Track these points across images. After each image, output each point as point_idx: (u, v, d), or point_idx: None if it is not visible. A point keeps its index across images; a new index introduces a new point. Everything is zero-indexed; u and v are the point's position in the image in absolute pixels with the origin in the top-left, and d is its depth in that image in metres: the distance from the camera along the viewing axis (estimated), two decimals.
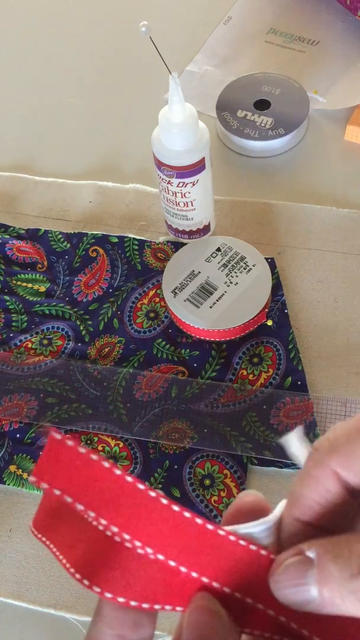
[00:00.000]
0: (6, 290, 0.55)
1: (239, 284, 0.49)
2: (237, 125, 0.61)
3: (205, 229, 0.54)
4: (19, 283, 0.55)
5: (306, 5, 0.73)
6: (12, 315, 0.53)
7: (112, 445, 0.47)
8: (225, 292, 0.49)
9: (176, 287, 0.50)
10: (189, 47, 0.71)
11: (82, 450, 0.18)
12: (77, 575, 0.19)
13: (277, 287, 0.52)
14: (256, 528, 0.20)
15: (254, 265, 0.50)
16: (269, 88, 0.63)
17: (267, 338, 0.50)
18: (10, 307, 0.54)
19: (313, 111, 0.64)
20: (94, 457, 0.18)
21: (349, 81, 0.65)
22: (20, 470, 0.46)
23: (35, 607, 0.42)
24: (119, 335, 0.51)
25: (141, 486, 0.19)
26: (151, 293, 0.53)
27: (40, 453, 0.47)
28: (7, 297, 0.54)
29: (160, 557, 0.19)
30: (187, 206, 0.51)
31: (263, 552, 0.20)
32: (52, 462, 0.18)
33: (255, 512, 0.21)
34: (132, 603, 0.19)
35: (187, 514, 0.19)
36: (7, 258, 0.56)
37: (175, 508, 0.19)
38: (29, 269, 0.56)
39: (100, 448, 0.47)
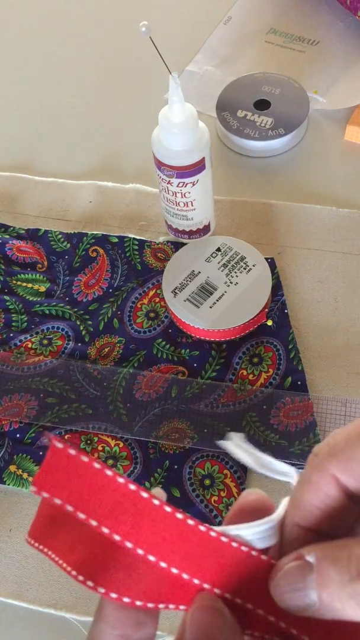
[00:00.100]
0: (6, 290, 0.55)
1: (239, 284, 0.49)
2: (237, 125, 0.61)
3: (205, 229, 0.54)
4: (19, 283, 0.55)
5: (306, 5, 0.73)
6: (12, 315, 0.53)
7: (112, 445, 0.47)
8: (225, 292, 0.49)
9: (176, 287, 0.50)
10: (189, 47, 0.71)
11: (85, 458, 0.18)
12: (80, 578, 0.19)
13: (277, 287, 0.52)
14: (260, 527, 0.20)
15: (254, 265, 0.50)
16: (269, 88, 0.63)
17: (267, 338, 0.50)
18: (10, 307, 0.54)
19: (313, 111, 0.64)
20: (97, 465, 0.18)
21: (349, 81, 0.65)
22: (20, 470, 0.46)
23: (35, 607, 0.42)
24: (119, 335, 0.51)
25: (145, 494, 0.19)
26: (151, 293, 0.53)
27: (41, 453, 0.47)
28: (7, 297, 0.54)
29: (163, 564, 0.19)
30: (187, 206, 0.51)
31: (264, 557, 0.20)
32: (53, 471, 0.18)
33: (259, 511, 0.21)
34: (138, 602, 0.19)
35: (190, 522, 0.19)
36: (7, 258, 0.56)
37: (179, 516, 0.19)
38: (29, 269, 0.56)
39: (100, 448, 0.47)
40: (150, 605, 0.19)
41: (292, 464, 0.44)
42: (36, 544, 0.21)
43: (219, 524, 0.20)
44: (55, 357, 0.51)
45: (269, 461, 0.22)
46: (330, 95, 0.64)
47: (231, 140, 0.62)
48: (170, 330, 0.51)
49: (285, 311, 0.51)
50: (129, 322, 0.52)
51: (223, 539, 0.19)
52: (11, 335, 0.52)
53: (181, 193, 0.50)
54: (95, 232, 0.57)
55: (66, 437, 0.47)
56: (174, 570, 0.19)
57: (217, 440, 0.45)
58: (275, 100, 0.62)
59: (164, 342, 0.51)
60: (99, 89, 0.70)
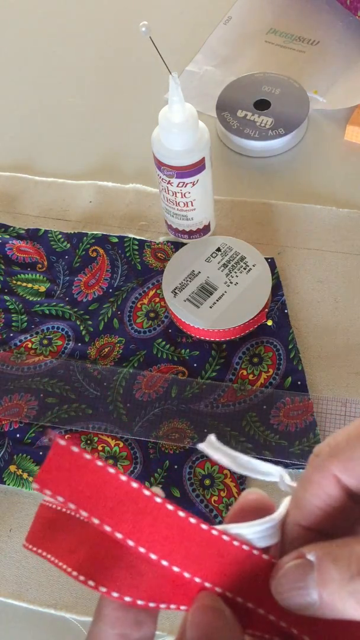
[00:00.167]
0: (6, 290, 0.55)
1: (239, 284, 0.49)
2: (237, 125, 0.61)
3: (205, 229, 0.54)
4: (19, 283, 0.55)
5: (306, 5, 0.73)
6: (12, 315, 0.53)
7: (112, 445, 0.47)
8: (225, 292, 0.49)
9: (176, 287, 0.50)
10: (189, 47, 0.71)
11: (88, 456, 0.18)
12: (81, 578, 0.19)
13: (277, 287, 0.52)
14: (261, 526, 0.20)
15: (254, 265, 0.50)
16: (269, 88, 0.63)
17: (267, 338, 0.50)
18: (10, 307, 0.54)
19: (313, 111, 0.64)
20: (99, 463, 0.18)
21: (349, 81, 0.65)
22: (20, 470, 0.46)
23: (35, 607, 0.42)
24: (119, 335, 0.51)
25: (147, 492, 0.19)
26: (151, 293, 0.53)
27: (41, 453, 0.47)
28: (7, 297, 0.54)
29: (165, 563, 0.19)
30: (187, 206, 0.51)
31: (265, 556, 0.20)
32: (56, 469, 0.18)
33: (259, 511, 0.21)
34: (139, 602, 0.19)
35: (192, 520, 0.19)
36: (7, 258, 0.56)
37: (181, 514, 0.19)
38: (29, 269, 0.56)
39: (100, 448, 0.47)
40: (151, 604, 0.19)
41: (293, 464, 0.44)
42: (34, 549, 0.21)
43: (219, 524, 0.20)
44: (55, 357, 0.51)
45: (247, 460, 0.22)
46: (330, 95, 0.64)
47: (231, 140, 0.62)
48: (170, 330, 0.51)
49: (285, 311, 0.51)
50: (129, 322, 0.52)
51: (224, 537, 0.19)
52: (11, 335, 0.52)
53: (181, 193, 0.50)
54: (95, 232, 0.57)
55: (66, 437, 0.47)
56: (175, 569, 0.19)
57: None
58: (275, 100, 0.62)
59: (164, 342, 0.51)
60: (99, 89, 0.70)
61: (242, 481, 0.45)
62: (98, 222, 0.59)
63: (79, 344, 0.51)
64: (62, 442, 0.18)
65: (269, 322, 0.50)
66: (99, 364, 0.50)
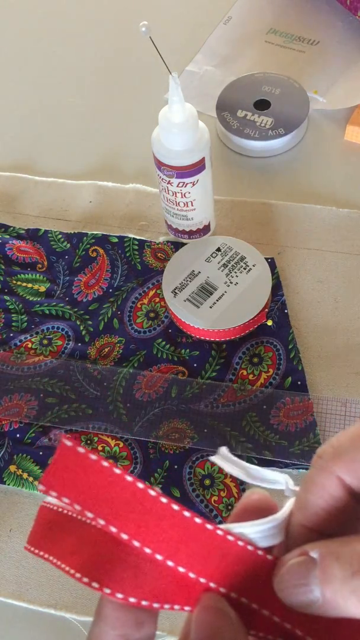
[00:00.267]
0: (6, 290, 0.55)
1: (239, 284, 0.49)
2: (237, 125, 0.61)
3: (205, 229, 0.54)
4: (19, 283, 0.55)
5: (306, 5, 0.73)
6: (12, 315, 0.53)
7: (112, 445, 0.47)
8: (225, 292, 0.49)
9: (176, 287, 0.50)
10: (189, 47, 0.71)
11: (94, 457, 0.18)
12: (85, 579, 0.19)
13: (277, 287, 0.52)
14: (264, 526, 0.20)
15: (254, 265, 0.50)
16: (269, 88, 0.63)
17: (267, 338, 0.50)
18: (10, 307, 0.54)
19: (313, 111, 0.64)
20: (105, 464, 0.18)
21: (349, 81, 0.65)
22: (20, 470, 0.46)
23: (35, 607, 0.42)
24: (119, 335, 0.51)
25: (153, 492, 0.19)
26: (151, 293, 0.53)
27: (41, 453, 0.47)
28: (7, 297, 0.54)
29: (170, 563, 0.19)
30: (187, 206, 0.51)
31: (269, 556, 0.20)
32: (62, 470, 0.18)
33: (262, 511, 0.21)
34: (144, 602, 0.19)
35: (198, 520, 0.19)
36: (7, 258, 0.56)
37: (187, 514, 0.19)
38: (29, 269, 0.56)
39: (100, 448, 0.47)
40: (156, 605, 0.19)
41: (293, 464, 0.44)
42: (36, 551, 0.21)
43: (219, 524, 0.20)
44: (55, 357, 0.51)
45: (256, 470, 0.23)
46: (330, 95, 0.64)
47: (231, 140, 0.62)
48: (170, 330, 0.51)
49: (285, 311, 0.51)
50: (129, 322, 0.52)
51: (229, 537, 0.19)
52: (11, 335, 0.52)
53: (181, 193, 0.50)
54: (95, 232, 0.57)
55: (58, 435, 0.47)
56: (181, 569, 0.19)
57: (220, 440, 0.45)
58: (275, 100, 0.62)
59: (164, 342, 0.51)
60: (99, 89, 0.70)
61: (241, 481, 0.45)
62: (98, 222, 0.59)
63: (79, 344, 0.51)
64: (69, 443, 0.18)
65: (269, 322, 0.50)
66: (99, 364, 0.50)
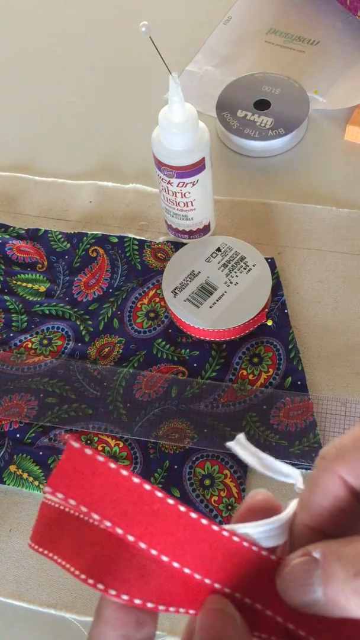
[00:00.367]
0: (6, 290, 0.55)
1: (239, 284, 0.49)
2: (237, 125, 0.61)
3: (205, 229, 0.54)
4: (19, 283, 0.55)
5: (306, 5, 0.73)
6: (12, 315, 0.53)
7: (112, 445, 0.47)
8: (225, 292, 0.49)
9: (176, 287, 0.50)
10: (189, 47, 0.71)
11: (101, 458, 0.18)
12: (90, 581, 0.18)
13: (277, 287, 0.52)
14: (267, 526, 0.20)
15: (254, 265, 0.50)
16: (269, 88, 0.63)
17: (267, 338, 0.50)
18: (10, 307, 0.54)
19: (313, 111, 0.64)
20: (113, 465, 0.18)
21: (349, 81, 0.65)
22: (20, 470, 0.46)
23: (35, 607, 0.42)
24: (119, 335, 0.51)
25: (159, 494, 0.19)
26: (151, 293, 0.53)
27: (41, 453, 0.47)
28: (7, 297, 0.54)
29: (176, 565, 0.19)
30: (187, 206, 0.51)
31: (273, 557, 0.20)
32: (69, 472, 0.18)
33: (266, 511, 0.21)
34: (149, 604, 0.19)
35: (204, 521, 0.19)
36: (7, 258, 0.56)
37: (193, 515, 0.19)
38: (29, 269, 0.56)
39: (100, 448, 0.47)
40: (161, 607, 0.19)
41: (293, 464, 0.44)
42: (40, 549, 0.21)
43: (220, 524, 0.20)
44: (55, 357, 0.51)
45: (271, 461, 0.22)
46: (330, 95, 0.64)
47: (231, 140, 0.62)
48: (170, 330, 0.51)
49: (285, 311, 0.51)
50: (129, 322, 0.52)
51: (235, 538, 0.19)
52: (11, 335, 0.52)
53: (181, 193, 0.50)
54: (95, 232, 0.57)
55: (66, 437, 0.47)
56: (187, 571, 0.19)
57: (220, 440, 0.45)
58: (275, 100, 0.62)
59: (164, 342, 0.51)
60: (99, 89, 0.70)
61: (242, 481, 0.45)
62: (98, 222, 0.59)
63: (79, 344, 0.51)
64: (77, 445, 0.18)
65: (269, 322, 0.50)
66: (99, 364, 0.50)
